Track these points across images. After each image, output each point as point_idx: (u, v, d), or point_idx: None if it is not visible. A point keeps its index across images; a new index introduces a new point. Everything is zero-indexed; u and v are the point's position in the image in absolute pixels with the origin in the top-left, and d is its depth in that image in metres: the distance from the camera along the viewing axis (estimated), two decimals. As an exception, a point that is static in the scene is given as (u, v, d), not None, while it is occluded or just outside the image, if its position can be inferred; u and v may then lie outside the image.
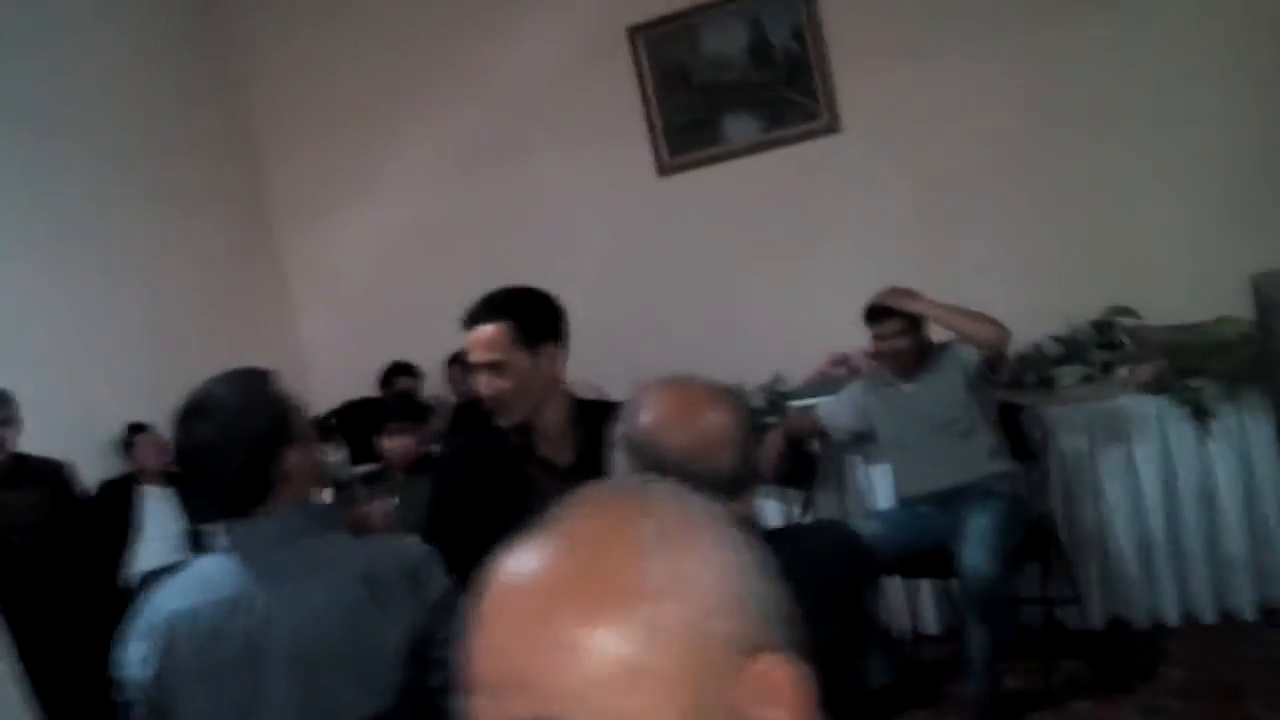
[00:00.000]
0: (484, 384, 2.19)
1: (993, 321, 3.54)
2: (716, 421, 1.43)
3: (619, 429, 1.46)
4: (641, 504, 0.73)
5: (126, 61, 5.42)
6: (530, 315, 2.21)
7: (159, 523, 4.77)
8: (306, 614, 1.59)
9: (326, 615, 1.59)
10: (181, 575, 1.69)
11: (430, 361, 5.59)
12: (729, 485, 1.41)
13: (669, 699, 0.66)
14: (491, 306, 2.20)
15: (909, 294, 3.72)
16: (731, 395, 1.48)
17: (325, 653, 1.58)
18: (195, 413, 1.63)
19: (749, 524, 1.46)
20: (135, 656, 1.65)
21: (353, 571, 1.61)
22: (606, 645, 0.66)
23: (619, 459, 1.45)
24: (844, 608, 1.52)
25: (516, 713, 0.67)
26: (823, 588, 1.45)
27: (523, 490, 2.26)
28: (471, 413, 5.05)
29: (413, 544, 1.76)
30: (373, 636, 1.59)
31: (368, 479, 3.80)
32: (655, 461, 1.40)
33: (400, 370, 5.56)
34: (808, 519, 4.24)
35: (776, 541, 1.45)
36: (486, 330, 2.17)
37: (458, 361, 5.24)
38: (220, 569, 1.64)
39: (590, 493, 0.75)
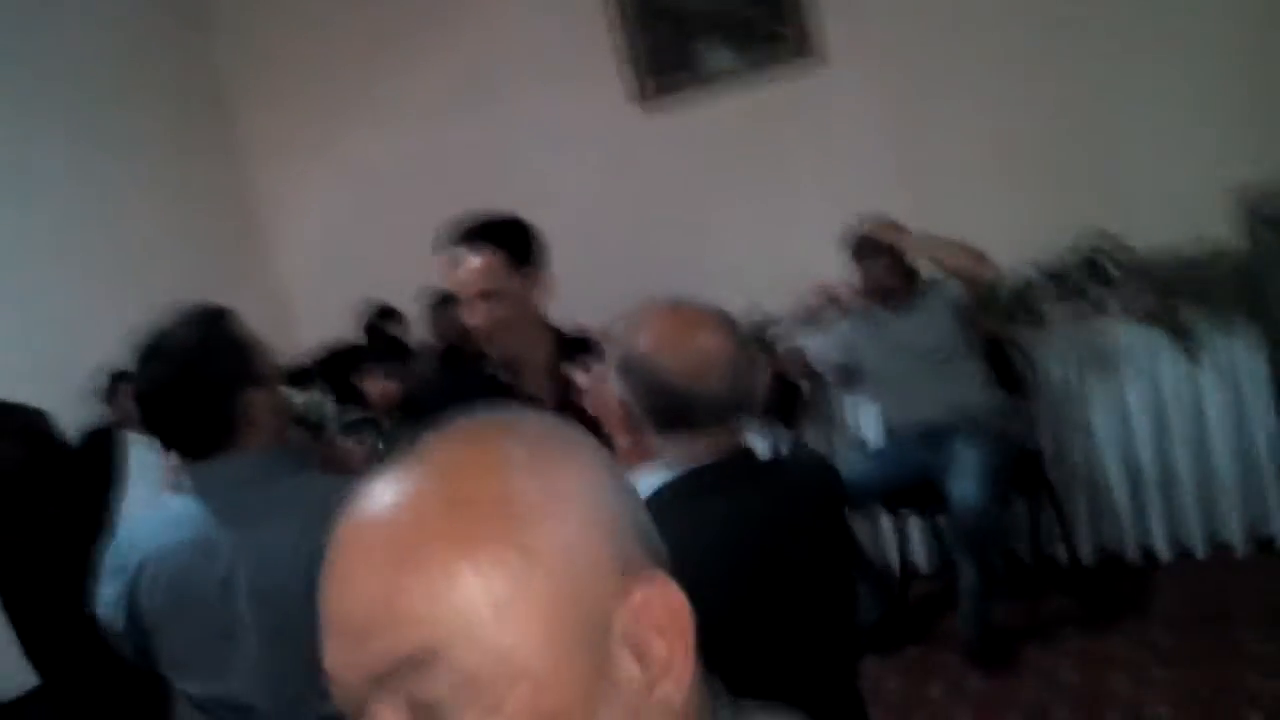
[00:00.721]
0: (479, 314, 2.12)
1: (982, 257, 3.49)
2: (713, 344, 1.42)
3: (615, 351, 1.47)
4: (508, 430, 0.70)
5: (91, 3, 5.28)
6: (519, 242, 2.16)
7: (144, 470, 4.74)
8: (272, 555, 1.57)
9: (293, 556, 1.55)
10: (153, 515, 1.69)
11: (408, 302, 5.50)
12: (724, 408, 1.42)
13: (548, 623, 0.63)
14: (480, 234, 2.14)
15: (895, 227, 3.66)
16: (728, 319, 1.48)
17: (293, 593, 1.55)
18: (152, 354, 1.60)
19: (743, 450, 1.47)
20: (109, 595, 1.65)
21: (320, 512, 1.56)
22: (480, 571, 0.62)
23: (615, 384, 1.46)
24: (831, 530, 1.54)
25: (385, 653, 0.63)
26: (810, 511, 1.51)
27: None
28: (458, 355, 5.01)
29: None
30: None
31: (352, 424, 3.76)
32: (652, 383, 1.41)
33: (385, 314, 5.48)
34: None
35: (771, 479, 1.50)
36: (477, 259, 2.11)
37: (445, 304, 5.17)
38: (188, 511, 1.62)
39: (455, 424, 0.71)
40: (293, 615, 1.55)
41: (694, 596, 1.22)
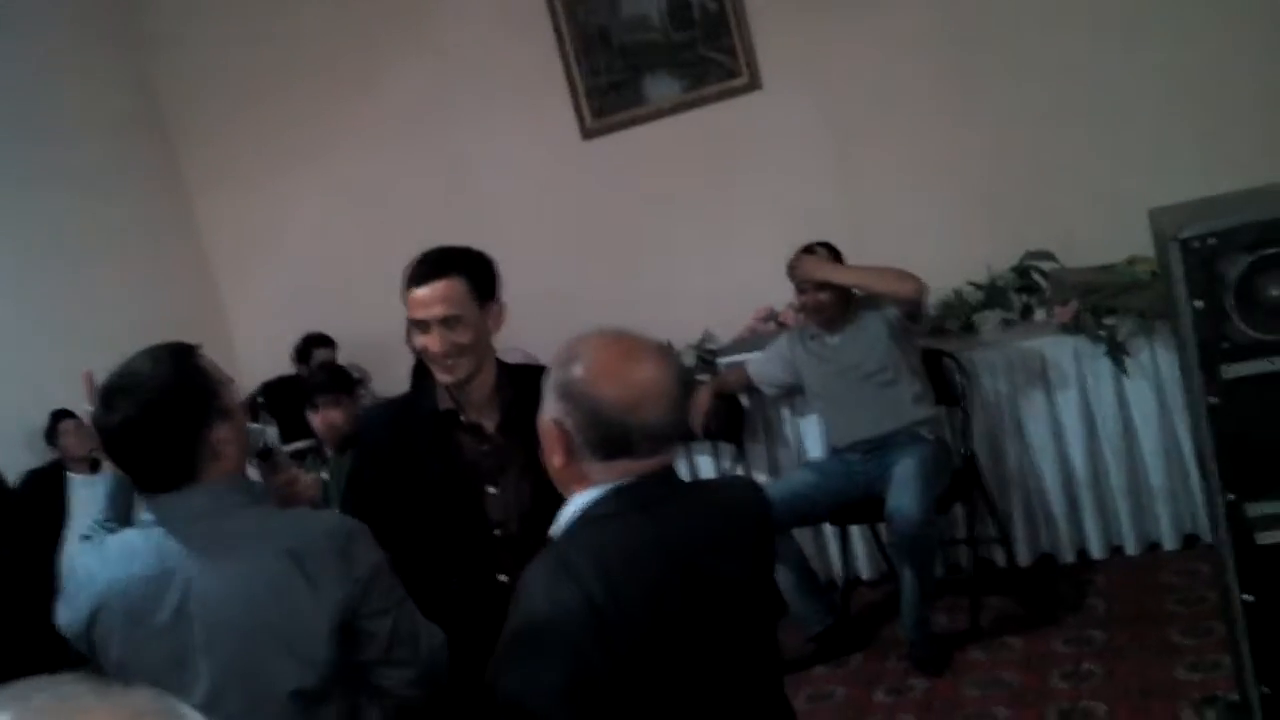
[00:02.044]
0: (438, 340, 2.16)
1: (906, 277, 3.59)
2: (652, 375, 1.44)
3: (553, 377, 1.47)
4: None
5: (31, 39, 5.27)
6: (479, 272, 2.21)
7: (88, 510, 4.70)
8: (232, 587, 1.61)
9: (252, 589, 1.61)
10: (111, 545, 1.70)
11: (356, 332, 5.52)
12: (661, 438, 1.45)
13: None
14: (444, 263, 2.19)
15: (820, 262, 3.78)
16: (666, 351, 1.51)
17: (252, 626, 1.61)
18: (118, 390, 1.63)
19: (673, 474, 1.52)
20: (66, 619, 1.70)
21: (279, 545, 1.63)
22: None
23: (551, 407, 1.46)
24: (753, 548, 1.58)
25: None
26: (732, 529, 1.54)
27: (448, 455, 2.26)
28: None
29: (341, 518, 1.78)
30: (301, 610, 1.61)
31: (298, 455, 3.77)
32: (592, 413, 1.42)
33: (316, 342, 5.47)
34: (739, 471, 4.30)
35: (694, 498, 1.55)
36: (441, 285, 2.16)
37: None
38: (147, 542, 1.65)
39: None
40: (245, 647, 1.61)
41: (618, 614, 1.36)
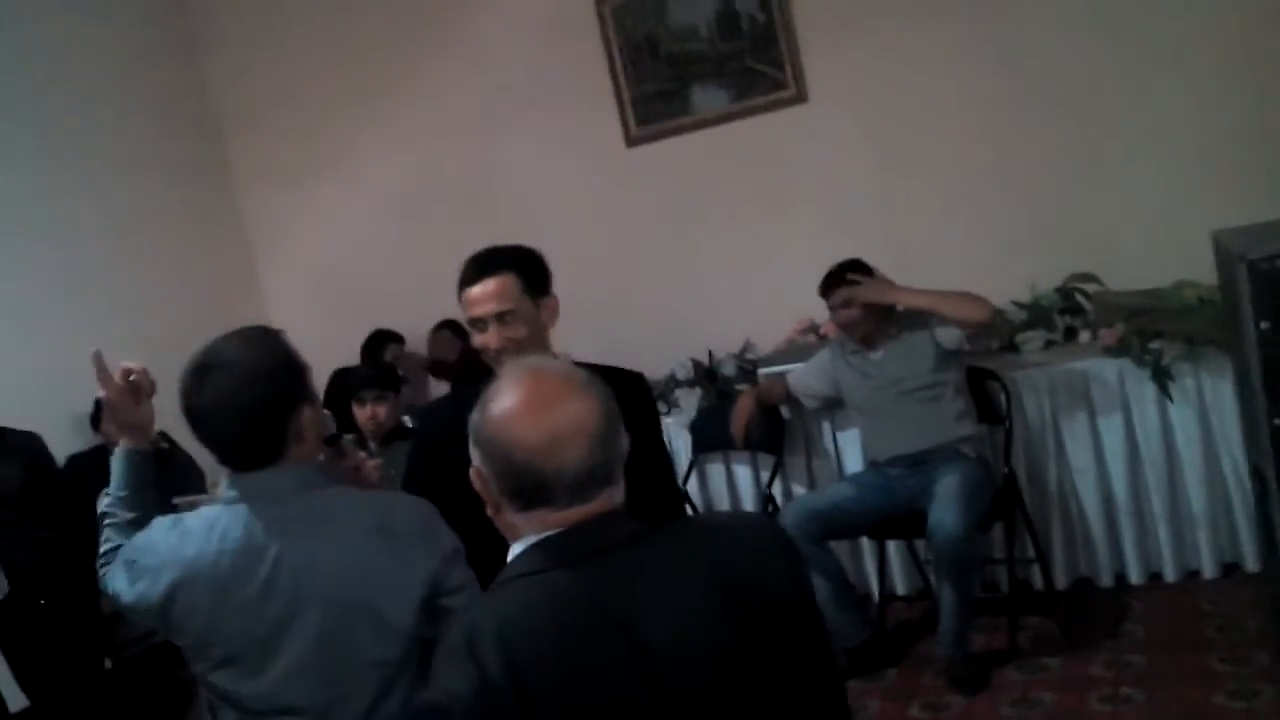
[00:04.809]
0: (494, 336, 2.18)
1: (979, 300, 3.60)
2: (570, 414, 1.26)
3: (470, 419, 1.33)
4: None
5: (90, 37, 5.38)
6: (532, 268, 2.24)
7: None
8: (323, 561, 1.66)
9: (344, 562, 1.66)
10: (193, 522, 1.72)
11: (402, 329, 5.60)
12: (583, 484, 1.27)
13: None
14: (495, 260, 2.22)
15: (883, 286, 3.77)
16: (593, 386, 1.31)
17: (343, 598, 1.65)
18: (211, 369, 1.67)
19: (607, 514, 1.30)
20: (138, 593, 1.71)
21: (368, 520, 1.70)
22: None
23: (472, 450, 1.33)
24: (742, 607, 1.28)
25: None
26: (717, 587, 1.28)
27: None
28: (469, 376, 5.07)
29: (418, 499, 1.81)
30: (391, 582, 1.66)
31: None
32: (501, 455, 1.28)
33: (387, 337, 5.56)
34: (777, 482, 4.30)
35: (669, 536, 1.33)
36: (493, 282, 2.18)
37: (446, 326, 5.25)
38: (234, 519, 1.69)
39: None
40: (335, 619, 1.65)
41: (520, 701, 1.15)
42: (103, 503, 1.91)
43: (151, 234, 5.49)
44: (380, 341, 5.55)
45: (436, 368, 5.46)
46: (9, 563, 3.80)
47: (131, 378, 1.92)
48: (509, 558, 1.31)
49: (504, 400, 1.29)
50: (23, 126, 4.91)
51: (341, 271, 5.83)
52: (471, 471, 1.33)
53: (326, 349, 5.41)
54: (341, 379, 4.67)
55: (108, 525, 1.88)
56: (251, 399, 1.66)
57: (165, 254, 5.55)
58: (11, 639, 3.89)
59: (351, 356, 5.41)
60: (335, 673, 1.66)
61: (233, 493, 1.71)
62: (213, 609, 1.66)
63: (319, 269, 5.93)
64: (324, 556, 1.66)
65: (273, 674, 1.66)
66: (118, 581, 1.76)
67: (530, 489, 1.26)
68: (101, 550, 1.86)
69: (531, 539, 1.28)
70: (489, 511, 1.34)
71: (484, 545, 2.20)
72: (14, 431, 4.05)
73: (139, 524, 1.85)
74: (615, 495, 1.31)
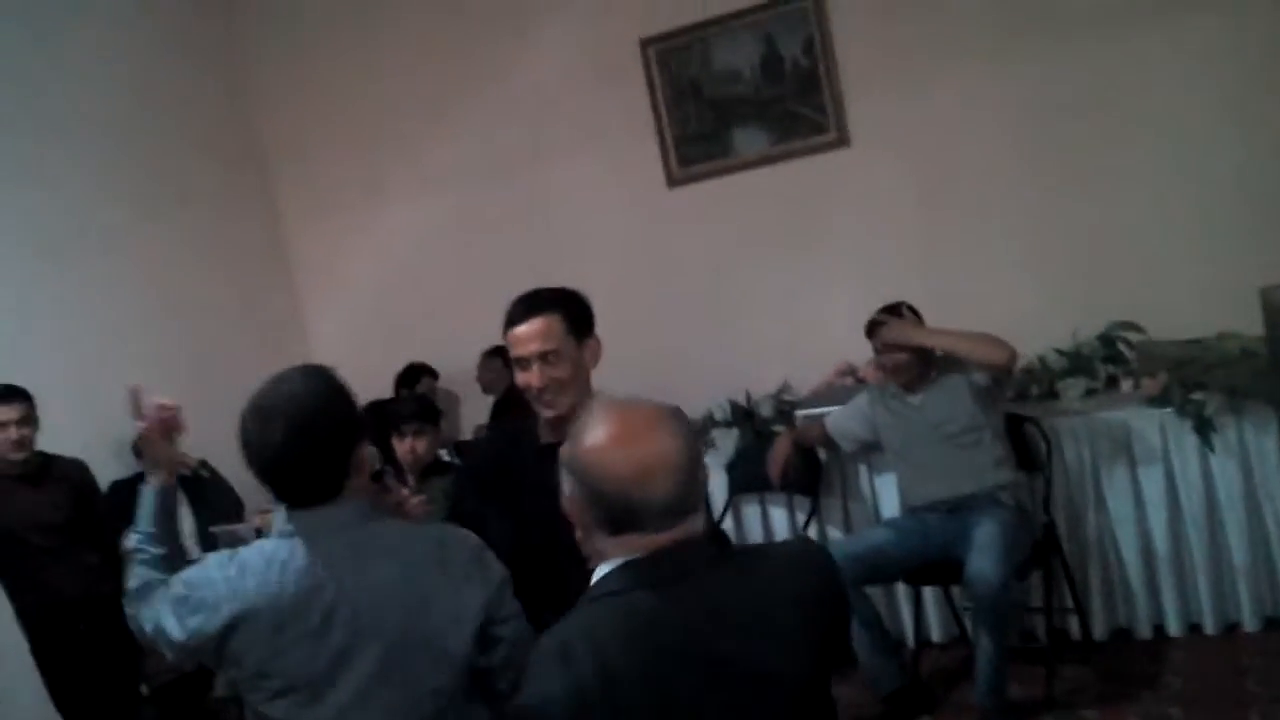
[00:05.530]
0: (538, 375, 2.24)
1: (999, 343, 3.60)
2: (661, 447, 1.37)
3: (562, 450, 1.43)
4: None
5: (139, 71, 5.49)
6: (576, 309, 2.30)
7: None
8: (382, 592, 1.71)
9: (402, 593, 1.71)
10: (252, 557, 1.74)
11: (439, 364, 5.65)
12: (671, 513, 1.37)
13: None
14: (541, 301, 2.28)
15: (910, 326, 3.79)
16: (679, 418, 1.43)
17: (402, 628, 1.70)
18: (274, 409, 1.71)
19: (701, 545, 1.40)
20: (192, 628, 1.72)
21: (423, 552, 1.76)
22: None
23: (564, 481, 1.43)
24: (813, 631, 1.42)
25: None
26: (791, 611, 1.40)
27: (549, 490, 2.30)
28: (509, 408, 5.10)
29: (466, 532, 1.85)
30: (447, 611, 1.72)
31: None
32: (594, 485, 1.37)
33: (421, 371, 5.62)
34: (813, 525, 4.30)
35: (741, 562, 1.44)
36: (538, 322, 2.25)
37: (497, 354, 5.29)
38: (292, 552, 1.72)
39: None
40: (395, 649, 1.70)
41: (611, 707, 1.24)
42: (131, 540, 1.93)
43: (198, 264, 5.57)
44: (414, 375, 5.60)
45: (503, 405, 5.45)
46: (56, 589, 3.86)
47: (164, 415, 1.97)
48: (595, 578, 1.39)
49: (597, 433, 1.38)
50: (71, 157, 5.00)
51: (384, 305, 5.90)
52: (564, 499, 1.43)
53: (368, 381, 5.49)
54: (380, 412, 4.71)
55: (139, 562, 1.90)
56: (316, 438, 1.70)
57: (211, 284, 5.62)
58: (52, 663, 3.93)
59: (391, 389, 5.48)
60: (393, 703, 1.70)
61: (289, 526, 1.75)
62: (272, 641, 1.69)
63: (362, 302, 6.00)
64: (383, 588, 1.70)
65: (330, 704, 1.70)
66: (164, 618, 1.77)
67: (620, 516, 1.36)
68: (132, 586, 1.87)
69: (619, 560, 1.37)
70: (578, 535, 1.43)
71: (530, 575, 2.24)
72: (61, 459, 4.11)
73: (170, 558, 1.90)
74: (697, 523, 1.41)
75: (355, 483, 1.76)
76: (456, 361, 5.61)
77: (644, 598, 1.33)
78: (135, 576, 1.89)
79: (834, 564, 1.53)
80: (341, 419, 1.74)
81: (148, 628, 1.81)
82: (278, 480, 1.73)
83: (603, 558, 1.40)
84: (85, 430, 4.46)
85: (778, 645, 1.36)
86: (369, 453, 1.84)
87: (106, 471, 4.64)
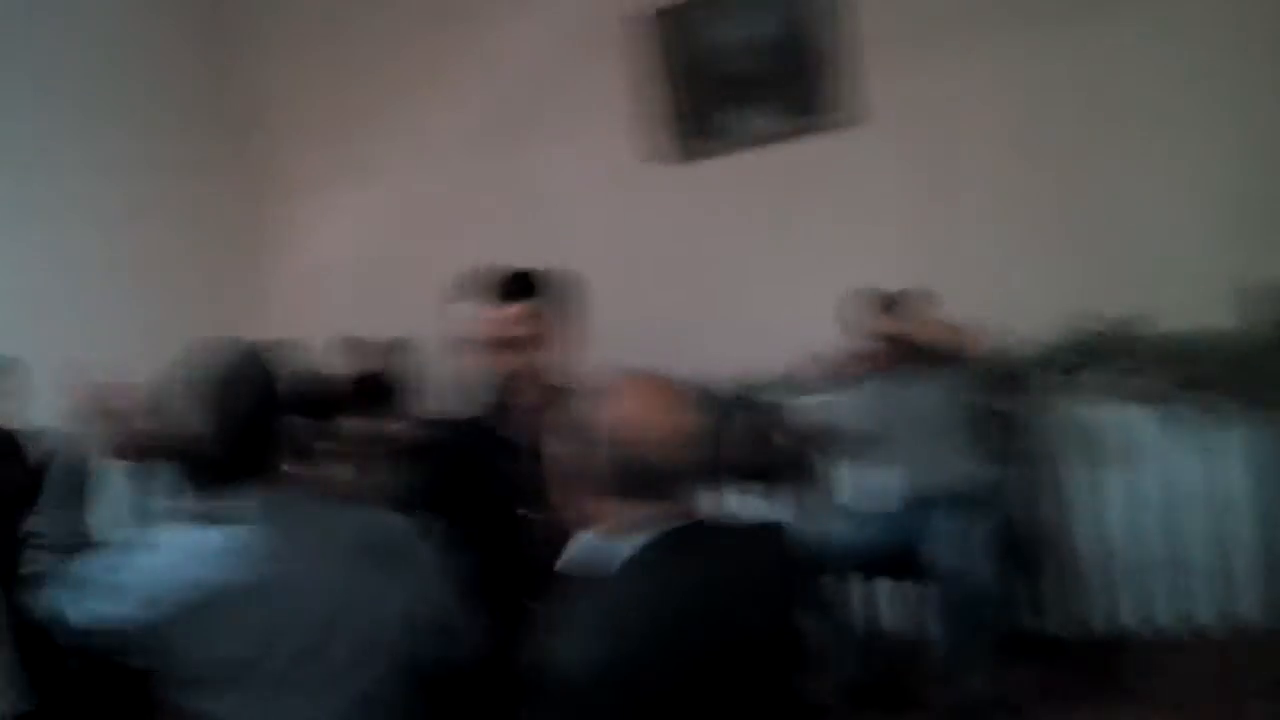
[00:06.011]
0: (513, 360, 2.14)
1: (957, 332, 3.50)
2: (686, 420, 1.45)
3: (579, 414, 1.48)
4: None
5: (119, 23, 5.42)
6: (560, 294, 2.19)
7: (113, 495, 4.71)
8: (310, 581, 1.66)
9: (330, 581, 1.67)
10: (182, 542, 1.70)
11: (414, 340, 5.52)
12: (690, 482, 1.45)
13: None
14: (524, 283, 2.16)
15: (876, 315, 3.70)
16: (702, 394, 1.51)
17: (329, 617, 1.65)
18: (217, 385, 1.68)
19: (695, 524, 1.47)
20: (124, 614, 1.66)
21: (353, 540, 1.71)
22: None
23: (581, 444, 1.47)
24: (773, 615, 1.51)
25: None
26: (751, 590, 1.49)
27: (512, 479, 2.17)
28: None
29: (398, 516, 1.81)
30: (375, 600, 1.68)
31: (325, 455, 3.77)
32: (622, 454, 1.43)
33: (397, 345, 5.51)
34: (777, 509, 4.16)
35: (708, 535, 1.49)
36: (519, 305, 2.13)
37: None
38: (226, 537, 1.67)
39: None
40: (326, 636, 1.65)
41: (636, 673, 1.31)
42: (36, 522, 1.89)
43: (165, 228, 5.43)
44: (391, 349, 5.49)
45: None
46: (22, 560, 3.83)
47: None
48: (584, 543, 1.46)
49: (624, 400, 1.45)
50: (37, 113, 4.91)
51: (356, 284, 5.75)
52: (565, 459, 1.48)
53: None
54: (327, 389, 4.65)
55: (40, 546, 1.86)
56: (237, 414, 1.66)
57: (177, 249, 5.49)
58: (27, 640, 3.94)
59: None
60: (320, 689, 1.65)
61: (209, 508, 1.69)
62: (205, 628, 1.63)
63: (336, 275, 5.84)
64: (311, 573, 1.66)
65: (255, 693, 1.64)
66: (69, 602, 1.72)
67: (642, 481, 1.42)
68: (33, 570, 1.83)
69: (642, 534, 1.42)
70: (575, 499, 1.48)
71: (498, 562, 2.13)
72: (15, 432, 4.08)
73: (74, 541, 1.84)
74: (707, 498, 1.49)
75: (280, 462, 1.70)
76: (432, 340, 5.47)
77: (663, 570, 1.40)
78: (35, 562, 1.85)
79: (791, 535, 1.61)
80: (264, 395, 1.69)
81: (58, 616, 1.75)
82: (214, 451, 1.68)
83: (606, 524, 1.44)
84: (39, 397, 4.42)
85: (755, 604, 1.46)
86: (296, 430, 1.76)
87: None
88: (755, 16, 4.95)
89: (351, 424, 3.78)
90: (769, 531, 1.71)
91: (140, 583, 1.65)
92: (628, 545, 1.43)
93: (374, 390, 3.90)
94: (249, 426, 1.67)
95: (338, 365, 5.29)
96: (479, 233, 5.20)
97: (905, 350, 3.64)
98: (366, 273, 5.75)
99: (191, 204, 5.69)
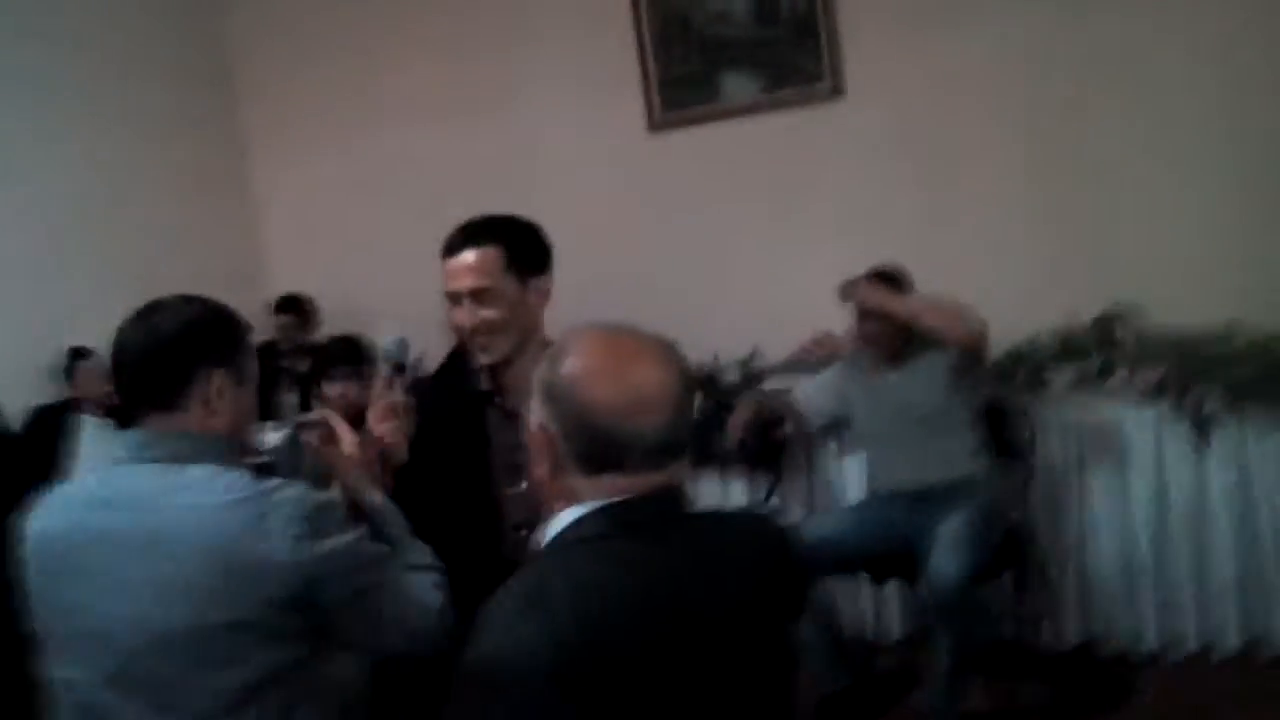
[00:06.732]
0: (467, 314, 1.99)
1: (965, 318, 3.30)
2: (652, 378, 1.24)
3: (540, 376, 1.28)
4: None
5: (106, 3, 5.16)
6: (521, 242, 2.02)
7: (97, 454, 4.55)
8: (139, 542, 1.52)
9: (196, 540, 1.51)
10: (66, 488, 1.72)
11: (407, 309, 5.30)
12: (657, 451, 1.24)
13: None
14: (479, 231, 2.02)
15: (875, 290, 3.48)
16: (672, 351, 1.28)
17: (156, 580, 1.51)
18: (143, 313, 1.65)
19: (670, 489, 1.27)
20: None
21: (238, 505, 1.53)
22: None
23: (537, 409, 1.27)
24: (764, 594, 1.32)
25: None
26: (738, 569, 1.30)
27: (480, 442, 2.07)
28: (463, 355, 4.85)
29: (311, 493, 1.61)
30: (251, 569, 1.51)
31: (306, 425, 3.56)
32: (577, 414, 1.23)
33: (288, 305, 5.31)
34: (771, 504, 4.00)
35: (696, 528, 1.32)
36: (473, 254, 1.99)
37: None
38: (97, 484, 1.64)
39: None
40: (152, 603, 1.50)
41: (590, 657, 1.12)
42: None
43: (147, 189, 5.22)
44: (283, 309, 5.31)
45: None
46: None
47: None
48: (561, 521, 1.25)
49: (586, 357, 1.25)
50: (9, 60, 4.64)
51: (352, 244, 5.55)
52: (532, 428, 1.28)
53: (329, 313, 5.22)
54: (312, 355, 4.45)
55: None
56: (164, 342, 1.60)
57: (164, 209, 5.27)
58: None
59: (357, 324, 5.08)
60: (147, 658, 1.51)
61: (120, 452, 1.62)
62: (32, 580, 1.58)
63: (328, 236, 5.65)
64: (154, 544, 1.51)
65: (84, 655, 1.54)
66: None
67: (604, 451, 1.23)
68: None
69: (595, 504, 1.24)
70: (539, 473, 1.28)
71: (456, 532, 1.93)
72: None
73: None
74: (682, 470, 1.29)
75: (205, 416, 1.60)
76: (425, 306, 5.27)
77: (625, 546, 1.21)
78: None
79: (782, 528, 1.48)
80: (199, 333, 1.63)
81: None
82: (117, 370, 1.64)
83: (570, 501, 1.26)
84: (15, 351, 4.31)
85: (739, 596, 1.27)
86: (244, 398, 1.68)
87: (37, 396, 4.46)
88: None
89: (332, 394, 3.54)
90: (757, 518, 1.55)
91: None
92: (570, 515, 1.25)
93: (350, 353, 3.67)
94: (177, 353, 1.60)
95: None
96: (466, 194, 4.97)
97: (898, 330, 3.48)
98: (358, 232, 5.52)
99: (178, 163, 5.41)
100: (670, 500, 1.27)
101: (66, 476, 4.41)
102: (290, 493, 1.55)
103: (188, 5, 5.66)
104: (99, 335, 4.55)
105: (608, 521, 1.23)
